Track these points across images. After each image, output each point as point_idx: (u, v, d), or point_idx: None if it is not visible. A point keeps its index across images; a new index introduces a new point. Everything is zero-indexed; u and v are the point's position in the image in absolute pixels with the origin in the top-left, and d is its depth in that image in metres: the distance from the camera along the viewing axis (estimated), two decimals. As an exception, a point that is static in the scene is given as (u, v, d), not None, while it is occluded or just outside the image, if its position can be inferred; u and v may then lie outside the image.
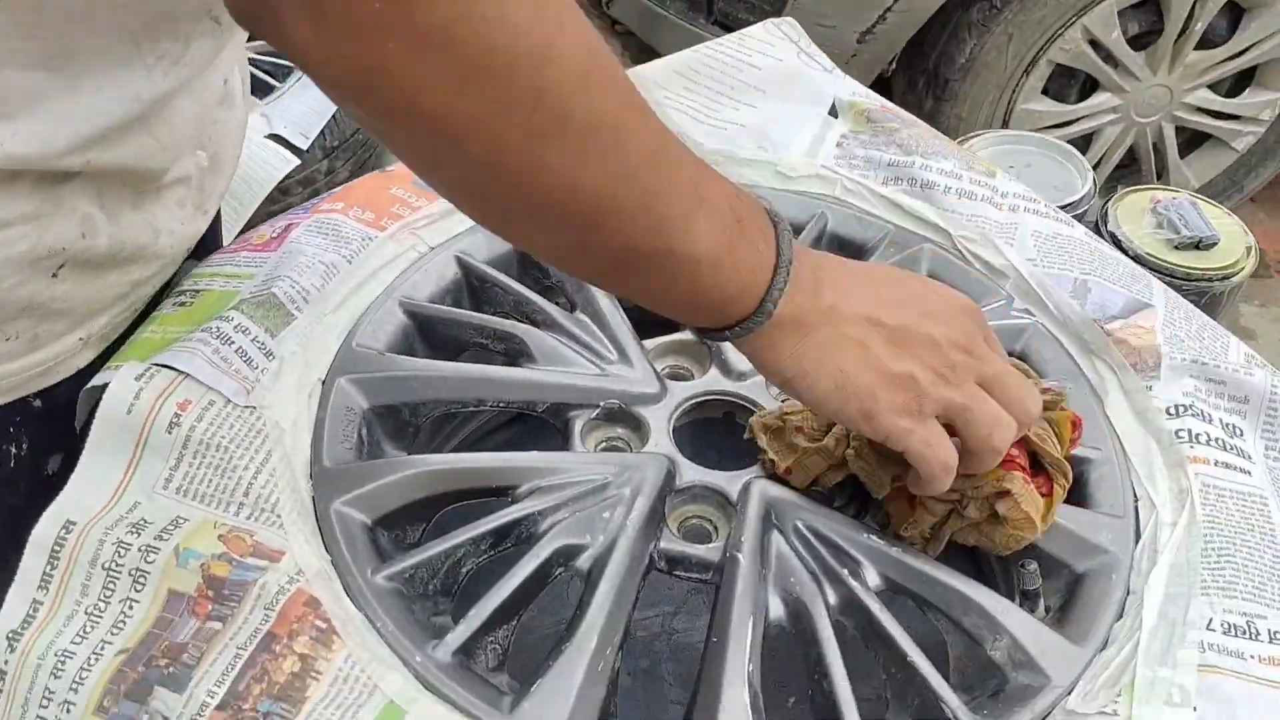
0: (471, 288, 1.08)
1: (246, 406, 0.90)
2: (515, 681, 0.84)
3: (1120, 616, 0.86)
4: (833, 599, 0.85)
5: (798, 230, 1.15)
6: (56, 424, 0.93)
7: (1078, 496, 0.95)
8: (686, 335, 1.06)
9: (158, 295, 1.03)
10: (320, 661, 0.76)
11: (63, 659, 0.77)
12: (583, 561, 0.87)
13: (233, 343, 0.93)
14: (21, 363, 0.88)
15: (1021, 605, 0.88)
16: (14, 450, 0.93)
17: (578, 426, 0.97)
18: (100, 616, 0.79)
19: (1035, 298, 1.09)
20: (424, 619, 0.84)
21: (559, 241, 0.68)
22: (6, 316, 0.83)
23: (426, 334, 1.04)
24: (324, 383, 0.95)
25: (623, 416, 0.99)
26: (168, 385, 0.89)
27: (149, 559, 0.81)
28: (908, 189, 1.19)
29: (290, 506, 0.85)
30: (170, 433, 0.87)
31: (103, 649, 0.78)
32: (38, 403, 0.92)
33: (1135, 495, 0.94)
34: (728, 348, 1.03)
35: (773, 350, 0.73)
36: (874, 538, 0.88)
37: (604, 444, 0.99)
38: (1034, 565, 0.87)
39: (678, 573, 0.90)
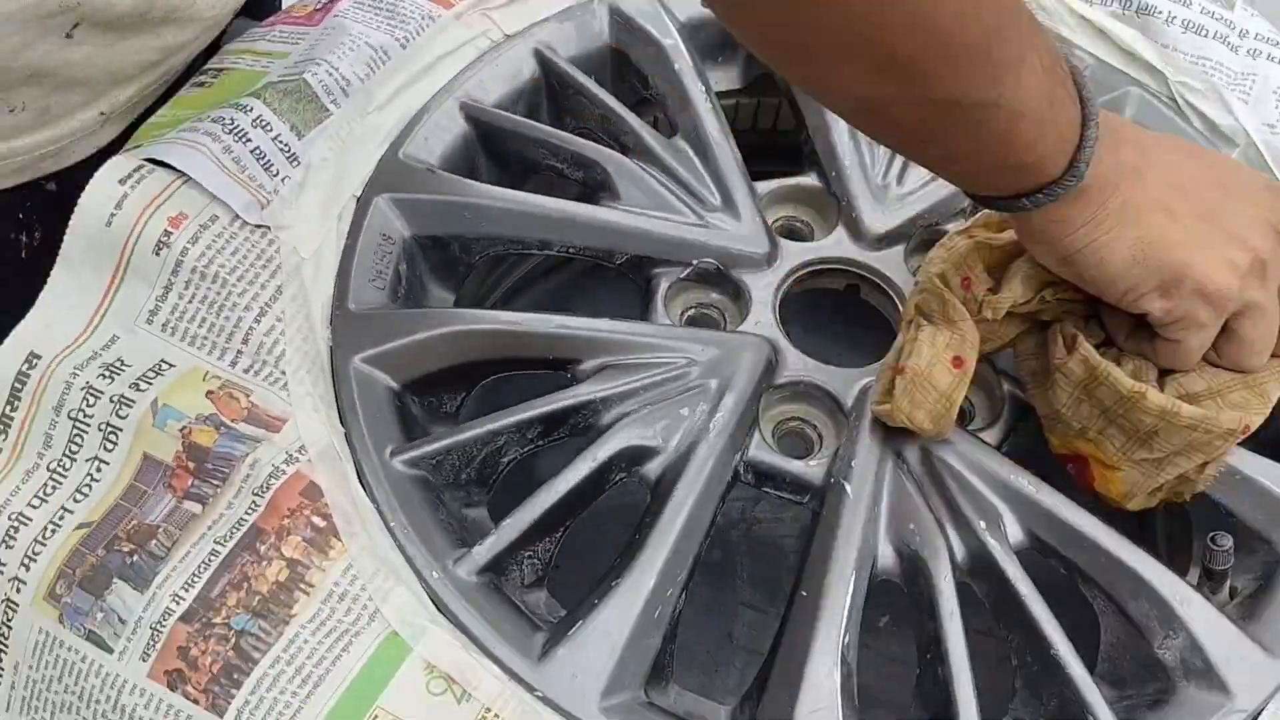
0: (552, 92, 0.87)
1: (258, 226, 0.73)
2: (554, 602, 0.69)
3: (1329, 621, 0.67)
4: (960, 555, 0.67)
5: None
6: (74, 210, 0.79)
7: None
8: (809, 179, 0.85)
9: (196, 65, 0.86)
10: (313, 571, 0.61)
11: (16, 524, 0.64)
12: (651, 468, 0.69)
13: (249, 140, 0.75)
14: (30, 139, 0.75)
15: (1205, 587, 0.69)
16: (24, 239, 0.81)
17: (662, 288, 0.78)
18: (63, 477, 0.65)
19: (1269, 173, 0.84)
20: (454, 512, 0.69)
21: (875, 93, 0.55)
22: (10, 83, 0.69)
23: (492, 148, 0.84)
24: (359, 200, 0.77)
25: (719, 280, 0.79)
26: (160, 191, 0.71)
27: (122, 412, 0.66)
28: (1119, 11, 0.92)
29: (299, 360, 0.69)
30: (158, 254, 0.70)
31: (62, 519, 0.64)
32: (51, 185, 0.79)
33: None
34: (863, 203, 0.82)
35: (1063, 222, 0.63)
36: (1022, 479, 0.69)
37: (692, 311, 0.80)
38: (1228, 541, 0.67)
39: (767, 489, 0.73)
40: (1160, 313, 0.65)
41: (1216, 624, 0.64)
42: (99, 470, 0.65)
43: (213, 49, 0.87)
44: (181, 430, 0.65)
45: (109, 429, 0.65)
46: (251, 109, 0.76)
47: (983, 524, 0.67)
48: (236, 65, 0.83)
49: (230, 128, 0.74)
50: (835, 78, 0.56)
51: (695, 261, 0.78)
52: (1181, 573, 0.70)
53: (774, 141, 0.96)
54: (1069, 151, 0.59)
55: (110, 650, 0.58)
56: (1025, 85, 0.56)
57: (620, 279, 0.81)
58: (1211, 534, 0.68)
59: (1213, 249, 0.63)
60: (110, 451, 0.65)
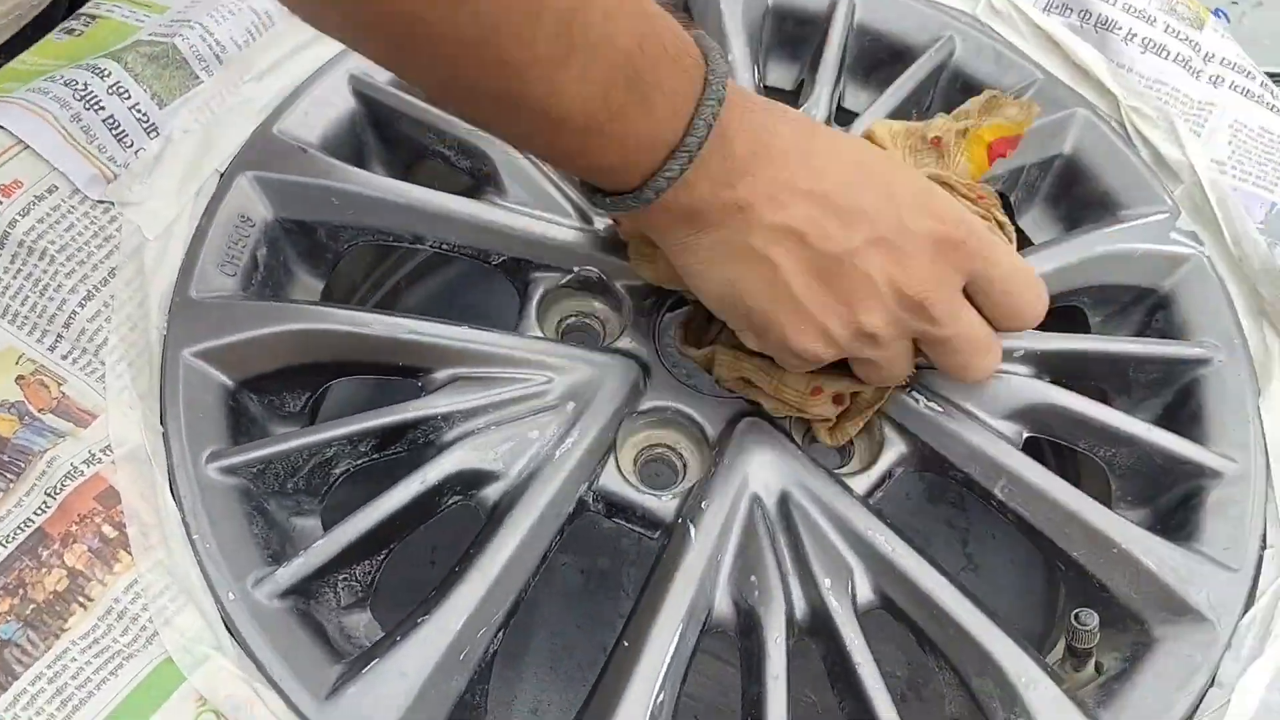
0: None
1: (100, 201, 0.68)
2: (376, 625, 0.65)
3: (1190, 717, 0.62)
4: (800, 613, 0.63)
5: (911, 57, 0.84)
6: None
7: (1181, 519, 0.69)
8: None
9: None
10: (94, 585, 0.58)
11: None
12: (489, 493, 0.65)
13: (101, 107, 0.70)
14: None
15: (1068, 662, 0.64)
16: None
17: (537, 294, 0.73)
18: None
19: (1209, 218, 0.78)
20: (279, 521, 0.65)
21: (430, 78, 0.54)
22: None
23: (382, 129, 0.79)
24: (222, 177, 0.72)
25: (601, 289, 0.74)
26: (-4, 156, 0.67)
27: (-77, 391, 0.62)
28: (1077, 23, 0.86)
29: (123, 350, 0.65)
30: (-14, 224, 0.66)
31: None
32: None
33: (1265, 540, 0.68)
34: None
35: (660, 232, 0.60)
36: (879, 535, 0.64)
37: (571, 320, 0.75)
38: (1094, 620, 0.63)
39: (618, 520, 0.68)
40: (757, 348, 0.63)
41: (1061, 712, 0.60)
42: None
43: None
44: (-17, 417, 0.61)
45: (-93, 408, 0.62)
46: (109, 73, 0.71)
47: (828, 581, 0.63)
48: (111, 14, 0.78)
49: (82, 93, 0.70)
50: (382, 59, 0.55)
51: (576, 268, 0.74)
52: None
53: None
54: (645, 173, 0.54)
55: None
56: (563, 92, 0.50)
57: (503, 280, 0.76)
58: (1076, 610, 0.63)
59: (807, 316, 0.57)
60: (-95, 431, 0.61)
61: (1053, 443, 0.73)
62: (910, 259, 0.57)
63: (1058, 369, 0.72)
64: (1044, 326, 0.73)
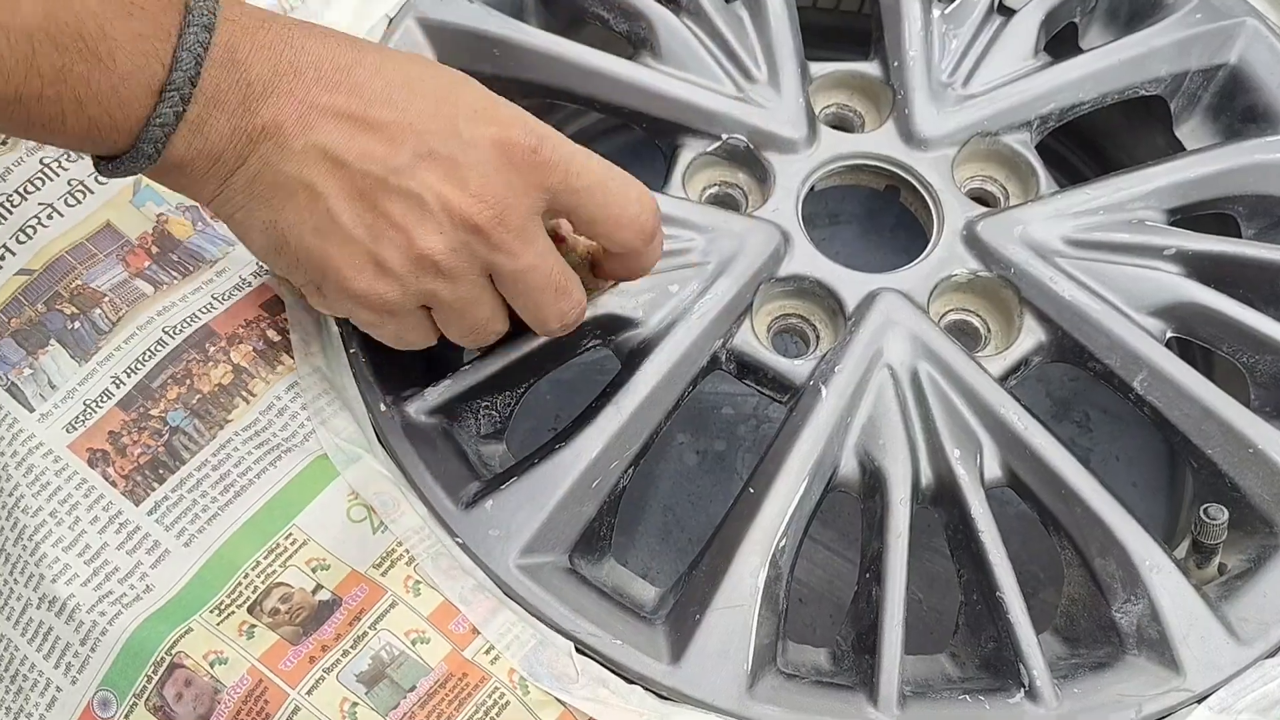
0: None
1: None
2: (511, 457, 0.67)
3: (1316, 620, 0.61)
4: (926, 480, 0.64)
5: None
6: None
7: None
8: (869, 67, 0.79)
9: None
10: (257, 381, 0.61)
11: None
12: (626, 339, 0.67)
13: (283, -57, 0.73)
14: None
15: (1191, 559, 0.64)
16: None
17: (684, 159, 0.74)
18: (9, 211, 0.63)
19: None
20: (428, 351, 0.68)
21: None
22: None
23: (539, -17, 0.80)
24: (391, 22, 0.75)
25: (747, 160, 0.75)
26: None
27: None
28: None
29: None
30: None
31: (3, 256, 0.63)
32: None
33: None
34: (919, 99, 0.76)
35: (197, 191, 0.52)
36: (1011, 412, 0.65)
37: (715, 189, 0.76)
38: (1223, 516, 0.62)
39: (749, 382, 0.70)
40: (325, 309, 0.56)
41: (1183, 596, 0.60)
42: (50, 217, 0.63)
43: None
44: (158, 216, 0.64)
45: (77, 185, 0.65)
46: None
47: (958, 453, 0.63)
48: None
49: (266, -74, 0.72)
50: None
51: (725, 136, 0.74)
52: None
53: (832, 24, 0.90)
54: (133, 125, 0.47)
55: (31, 410, 0.59)
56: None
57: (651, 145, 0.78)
58: (1205, 505, 0.62)
59: (359, 247, 0.51)
60: (72, 208, 0.64)
61: (1202, 352, 0.72)
62: (467, 172, 0.50)
63: (1207, 271, 0.71)
64: (1196, 230, 0.73)
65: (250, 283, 0.63)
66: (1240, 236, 0.77)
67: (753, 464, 0.91)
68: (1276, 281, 0.72)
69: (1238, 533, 0.65)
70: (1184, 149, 0.81)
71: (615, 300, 0.67)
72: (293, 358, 0.62)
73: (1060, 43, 0.83)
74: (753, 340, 0.68)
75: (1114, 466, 0.95)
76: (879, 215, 0.79)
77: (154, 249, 0.63)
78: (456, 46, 0.74)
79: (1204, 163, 0.74)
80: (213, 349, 0.61)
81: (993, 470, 0.64)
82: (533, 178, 0.52)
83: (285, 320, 0.63)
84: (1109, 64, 0.77)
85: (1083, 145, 0.94)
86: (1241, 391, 0.71)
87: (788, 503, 0.61)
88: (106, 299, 0.61)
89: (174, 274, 0.63)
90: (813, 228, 0.72)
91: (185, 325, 0.61)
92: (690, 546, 0.90)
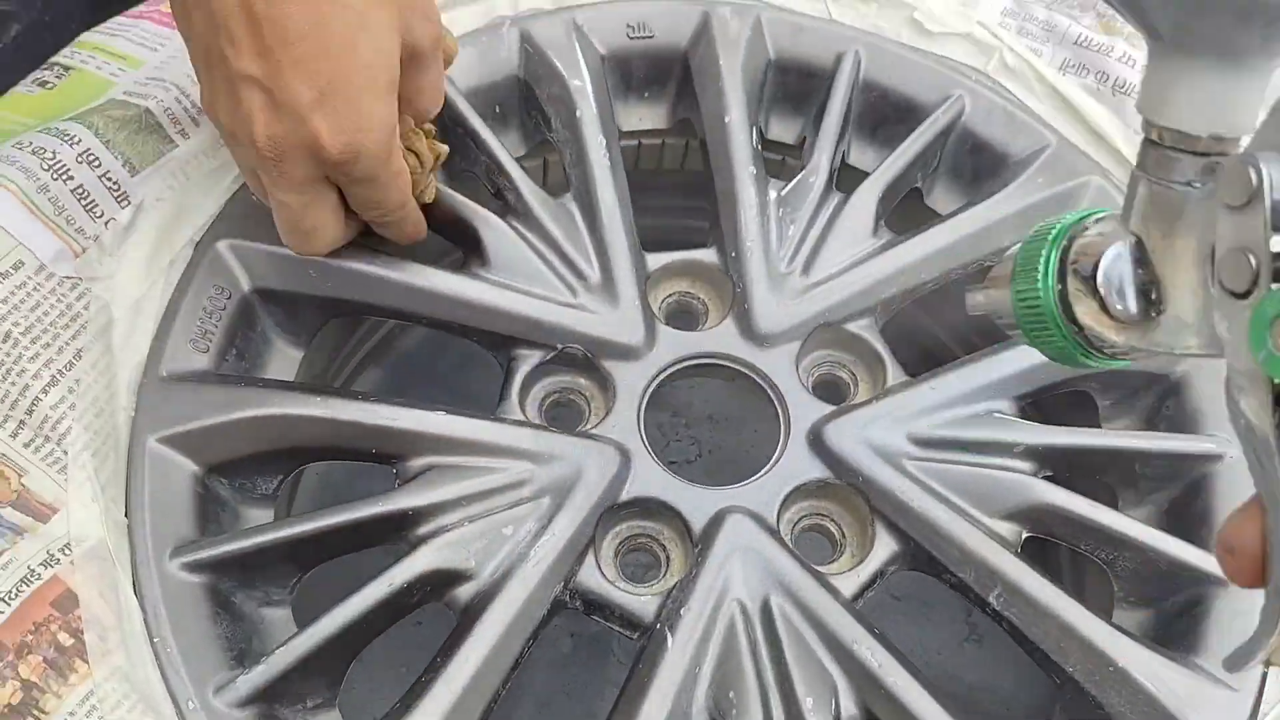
0: (443, 128, 0.78)
1: (68, 278, 0.66)
2: (344, 724, 0.63)
3: None
4: (780, 733, 0.61)
5: (919, 115, 0.81)
6: None
7: (1184, 627, 0.66)
8: (707, 255, 0.76)
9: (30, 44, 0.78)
10: (48, 698, 0.56)
11: None
12: (461, 594, 0.63)
13: (70, 178, 0.68)
14: None
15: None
16: None
17: (520, 372, 0.71)
18: None
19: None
20: (246, 614, 0.63)
21: None
22: None
23: (363, 189, 0.76)
24: (197, 247, 0.70)
25: (586, 367, 0.72)
26: (-42, 232, 0.65)
27: (-122, 484, 0.60)
28: (1094, 85, 0.82)
29: (86, 439, 0.63)
30: (-53, 305, 0.64)
31: None
32: None
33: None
34: (758, 292, 0.73)
35: None
36: (866, 649, 0.62)
37: (553, 398, 0.73)
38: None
39: (597, 619, 0.66)
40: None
41: None
42: None
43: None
44: (-64, 514, 0.59)
45: None
46: (78, 140, 0.69)
47: (810, 701, 0.60)
48: (86, 65, 0.75)
49: (50, 162, 0.67)
50: None
51: (561, 346, 0.71)
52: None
53: (680, 182, 0.88)
54: None
55: None
56: None
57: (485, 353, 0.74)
58: (1066, 738, 0.60)
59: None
60: None
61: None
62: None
63: (1059, 464, 0.69)
64: (1052, 415, 0.71)
65: (40, 574, 0.58)
66: (1096, 412, 0.76)
67: (629, 646, 0.88)
68: (1131, 467, 0.71)
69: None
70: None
71: (444, 553, 0.63)
72: (87, 663, 0.57)
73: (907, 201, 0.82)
74: (598, 576, 0.65)
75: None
76: (726, 415, 0.76)
77: (-72, 553, 0.58)
78: (270, 269, 0.70)
79: (1050, 345, 0.72)
80: (0, 665, 0.56)
81: (850, 710, 0.62)
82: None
83: (79, 618, 0.58)
84: (951, 240, 0.75)
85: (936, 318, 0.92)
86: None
87: (634, 778, 0.58)
88: None
89: (-46, 581, 0.58)
90: (663, 432, 0.69)
91: (-35, 643, 0.56)
92: (568, 745, 0.86)
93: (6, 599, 0.57)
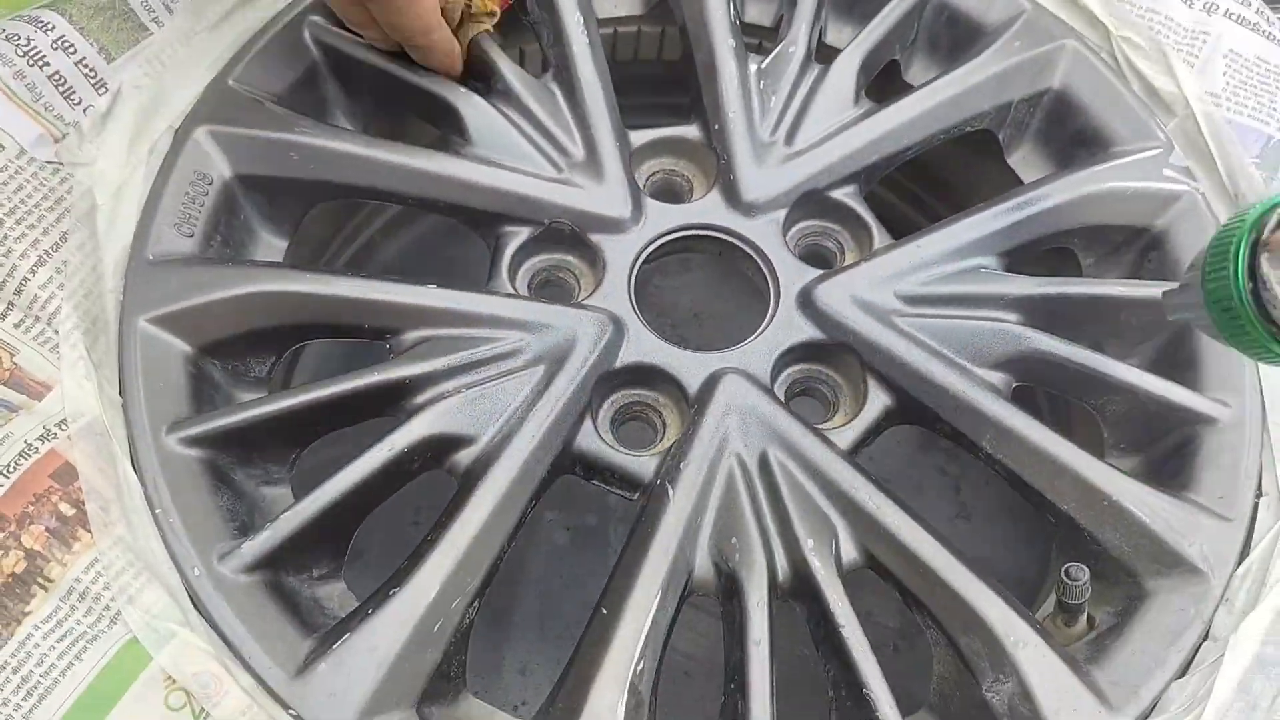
0: (418, 14, 0.78)
1: (50, 163, 0.65)
2: (351, 595, 0.63)
3: (1184, 672, 0.61)
4: (783, 575, 0.62)
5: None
6: None
7: (1174, 467, 0.67)
8: (690, 131, 0.76)
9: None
10: (53, 565, 0.56)
11: None
12: (460, 459, 0.63)
13: (46, 64, 0.67)
14: None
15: (1058, 618, 0.63)
16: None
17: (508, 249, 0.71)
18: None
19: (1204, 153, 0.75)
20: (246, 492, 0.63)
21: None
22: None
23: (345, 80, 0.75)
24: (176, 134, 0.69)
25: (574, 243, 0.72)
26: (-65, 119, 0.64)
27: None
28: (1066, -49, 0.82)
29: (77, 318, 0.62)
30: (-72, 190, 0.63)
31: None
32: None
33: (1260, 488, 0.66)
34: (743, 162, 0.73)
35: None
36: (863, 492, 0.63)
37: (542, 275, 0.73)
38: (1084, 575, 0.61)
39: (596, 482, 0.67)
40: None
41: (1053, 671, 0.58)
42: None
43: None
44: (-69, 392, 0.59)
45: None
46: (52, 27, 0.68)
47: (811, 542, 0.61)
48: (51, -42, 0.74)
49: (25, 49, 0.66)
50: None
51: (548, 221, 0.71)
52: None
53: (657, 73, 0.88)
54: None
55: None
56: None
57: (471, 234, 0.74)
58: (1066, 565, 0.61)
59: None
60: None
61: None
62: None
63: (1045, 315, 0.70)
64: (1035, 269, 0.72)
65: (37, 448, 0.58)
66: (1079, 268, 0.76)
67: (625, 536, 0.89)
68: (1117, 316, 0.71)
69: (1102, 584, 0.64)
70: (1018, 178, 0.80)
71: (443, 418, 0.63)
72: (90, 532, 0.57)
73: (885, 78, 0.82)
74: (595, 439, 0.65)
75: (983, 490, 0.94)
76: (715, 285, 0.77)
77: (-78, 429, 0.58)
78: (251, 154, 0.69)
79: (1033, 202, 0.73)
80: (1, 535, 0.56)
81: (850, 554, 0.62)
82: None
83: (80, 490, 0.58)
84: (930, 105, 0.76)
85: (924, 179, 0.93)
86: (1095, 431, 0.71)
87: (643, 622, 0.58)
88: None
89: (-51, 455, 0.57)
90: (663, 277, 0.69)
91: (-34, 513, 0.56)
92: (568, 632, 0.87)
93: (4, 472, 0.57)
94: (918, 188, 0.94)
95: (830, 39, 0.84)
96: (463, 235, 0.89)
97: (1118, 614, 0.64)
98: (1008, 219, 0.72)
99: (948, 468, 0.96)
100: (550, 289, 0.73)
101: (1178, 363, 0.71)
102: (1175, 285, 0.57)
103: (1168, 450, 0.69)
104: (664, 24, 0.87)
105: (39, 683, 0.53)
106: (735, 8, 0.80)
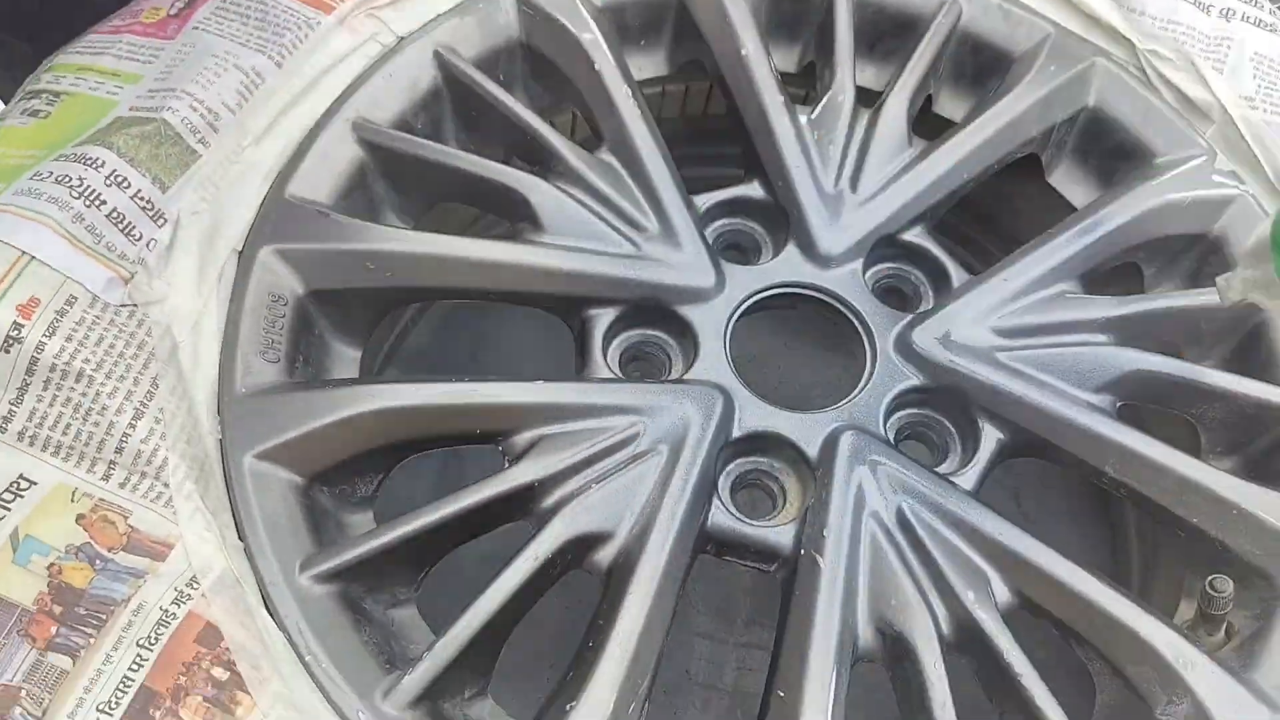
0: (457, 100, 0.76)
1: (124, 305, 0.62)
2: (500, 710, 0.61)
3: (1342, 668, 0.62)
4: (947, 629, 0.61)
5: (917, 23, 0.81)
6: None
7: (1276, 465, 0.69)
8: (753, 190, 0.76)
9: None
10: (219, 736, 0.53)
11: None
12: (602, 557, 0.62)
13: (103, 202, 0.64)
14: None
15: (1200, 628, 0.64)
16: None
17: (599, 330, 0.70)
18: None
19: (1246, 155, 0.77)
20: (378, 619, 0.61)
21: None
22: None
23: (393, 175, 0.73)
24: (240, 256, 0.66)
25: (662, 317, 0.71)
26: (2, 275, 0.60)
27: (-25, 551, 0.56)
28: (1076, -29, 0.84)
29: (185, 468, 0.59)
30: (8, 350, 0.59)
31: None
32: None
33: (1373, 476, 0.68)
34: (815, 215, 0.73)
35: None
36: (1007, 534, 0.63)
37: (632, 352, 0.71)
38: (1229, 587, 0.62)
39: (730, 558, 0.66)
40: None
41: (1222, 685, 0.59)
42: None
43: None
44: (48, 567, 0.55)
45: (-40, 572, 0.56)
46: (102, 163, 0.64)
47: (970, 594, 0.61)
48: (77, 88, 0.71)
49: (78, 189, 0.63)
50: None
51: (633, 299, 0.70)
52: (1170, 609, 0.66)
53: (705, 128, 0.87)
54: None
55: None
56: None
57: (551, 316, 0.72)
58: (1211, 577, 0.62)
59: None
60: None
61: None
62: None
63: (1134, 332, 0.71)
64: (1107, 288, 0.73)
65: (174, 613, 0.55)
66: (1141, 281, 0.78)
67: (708, 596, 0.88)
68: (1195, 325, 0.73)
69: (1238, 589, 0.65)
70: (1058, 195, 0.82)
71: (581, 517, 0.61)
72: (249, 693, 0.54)
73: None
74: (725, 515, 0.64)
75: (1042, 498, 0.95)
76: (805, 338, 0.76)
77: (55, 609, 0.54)
78: (325, 269, 0.67)
79: (1101, 222, 0.74)
80: (158, 714, 0.52)
81: (1004, 597, 0.62)
82: None
83: (227, 650, 0.54)
84: (986, 137, 0.77)
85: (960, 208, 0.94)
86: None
87: (826, 701, 0.57)
88: (24, 692, 0.52)
89: (88, 631, 0.54)
90: (747, 371, 0.69)
91: (119, 696, 0.52)
92: (666, 700, 0.85)
93: (147, 644, 0.54)
94: (952, 216, 0.94)
95: (859, 81, 0.84)
96: (490, 308, 0.87)
97: (1256, 618, 0.65)
98: (1081, 241, 0.73)
99: (1004, 479, 0.97)
100: (639, 365, 0.72)
101: (1256, 363, 0.72)
102: (1230, 273, 0.60)
103: (1265, 449, 0.70)
104: (687, 82, 0.87)
105: None
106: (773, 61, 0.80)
